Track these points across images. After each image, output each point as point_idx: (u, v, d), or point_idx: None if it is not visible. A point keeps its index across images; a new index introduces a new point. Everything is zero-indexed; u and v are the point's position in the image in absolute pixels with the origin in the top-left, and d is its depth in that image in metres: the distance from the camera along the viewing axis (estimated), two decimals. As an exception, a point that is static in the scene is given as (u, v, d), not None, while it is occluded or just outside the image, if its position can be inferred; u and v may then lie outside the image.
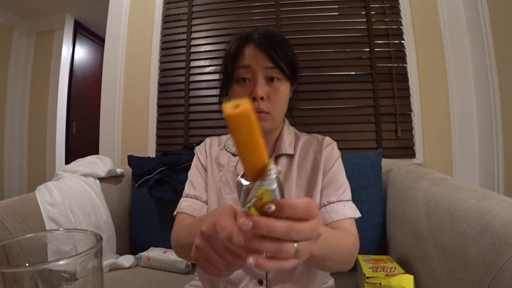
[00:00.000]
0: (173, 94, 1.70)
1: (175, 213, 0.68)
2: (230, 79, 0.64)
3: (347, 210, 0.61)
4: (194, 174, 0.72)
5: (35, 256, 0.60)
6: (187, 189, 0.70)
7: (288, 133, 0.71)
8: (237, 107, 0.28)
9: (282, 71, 0.62)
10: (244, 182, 0.30)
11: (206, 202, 0.67)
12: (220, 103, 0.72)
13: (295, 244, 0.29)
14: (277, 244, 0.28)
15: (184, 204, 0.67)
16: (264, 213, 0.28)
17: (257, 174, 0.30)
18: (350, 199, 0.64)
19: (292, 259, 0.29)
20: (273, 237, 0.28)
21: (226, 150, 0.72)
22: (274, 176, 0.29)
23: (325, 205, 0.61)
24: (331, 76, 1.57)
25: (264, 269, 0.32)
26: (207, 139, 0.77)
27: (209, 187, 0.68)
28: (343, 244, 0.52)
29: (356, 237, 0.59)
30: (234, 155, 0.70)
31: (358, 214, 0.62)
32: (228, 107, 0.28)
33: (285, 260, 0.29)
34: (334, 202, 0.61)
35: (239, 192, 0.31)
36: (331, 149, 0.68)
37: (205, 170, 0.71)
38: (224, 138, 0.77)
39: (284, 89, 0.63)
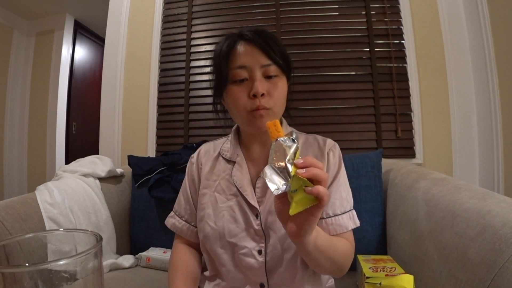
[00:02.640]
0: (173, 94, 1.70)
1: (165, 222, 0.73)
2: (224, 81, 0.61)
3: (350, 222, 0.62)
4: (183, 187, 0.73)
5: (35, 256, 0.60)
6: (176, 202, 0.75)
7: None
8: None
9: (279, 66, 0.60)
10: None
11: (187, 221, 0.71)
12: (215, 111, 0.71)
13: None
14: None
15: (170, 221, 0.73)
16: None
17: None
18: (352, 206, 0.65)
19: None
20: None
21: (222, 156, 0.70)
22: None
23: (330, 217, 0.61)
24: (331, 76, 1.57)
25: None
26: (202, 146, 0.75)
27: (204, 197, 0.67)
28: (339, 250, 0.57)
29: (352, 247, 0.62)
30: (228, 161, 0.68)
31: (358, 223, 0.64)
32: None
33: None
34: (338, 214, 0.62)
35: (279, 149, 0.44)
36: (333, 155, 0.66)
37: (199, 180, 0.70)
38: (219, 142, 0.74)
39: (282, 84, 0.62)
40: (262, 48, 0.59)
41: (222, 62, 0.61)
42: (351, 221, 0.62)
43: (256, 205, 0.61)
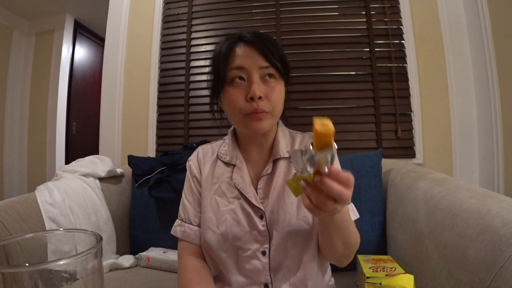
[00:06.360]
0: (173, 94, 1.70)
1: (172, 232, 0.68)
2: (222, 82, 0.61)
3: (352, 214, 0.62)
4: (186, 192, 0.70)
5: (35, 256, 0.59)
6: (180, 209, 0.70)
7: (283, 135, 0.69)
8: (324, 125, 0.38)
9: (277, 70, 0.60)
10: (312, 151, 0.40)
11: (198, 225, 0.66)
12: (212, 111, 0.70)
13: (335, 204, 0.40)
14: (325, 199, 0.40)
15: (179, 230, 0.67)
16: (318, 172, 0.39)
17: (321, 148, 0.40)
18: (350, 200, 0.64)
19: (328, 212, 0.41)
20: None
21: (220, 159, 0.69)
22: (333, 150, 0.39)
23: None
24: (331, 76, 1.57)
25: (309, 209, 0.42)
26: (199, 149, 0.74)
27: (204, 200, 0.66)
28: (353, 231, 0.57)
29: (359, 236, 0.61)
30: (227, 164, 0.68)
31: (357, 216, 0.64)
32: (319, 124, 0.38)
33: (325, 211, 0.41)
34: None
35: (300, 156, 0.40)
36: None
37: (199, 183, 0.69)
38: (216, 145, 0.74)
39: (280, 88, 0.62)
40: (261, 51, 0.59)
41: (221, 62, 0.61)
42: (352, 213, 0.63)
43: (261, 206, 0.61)
